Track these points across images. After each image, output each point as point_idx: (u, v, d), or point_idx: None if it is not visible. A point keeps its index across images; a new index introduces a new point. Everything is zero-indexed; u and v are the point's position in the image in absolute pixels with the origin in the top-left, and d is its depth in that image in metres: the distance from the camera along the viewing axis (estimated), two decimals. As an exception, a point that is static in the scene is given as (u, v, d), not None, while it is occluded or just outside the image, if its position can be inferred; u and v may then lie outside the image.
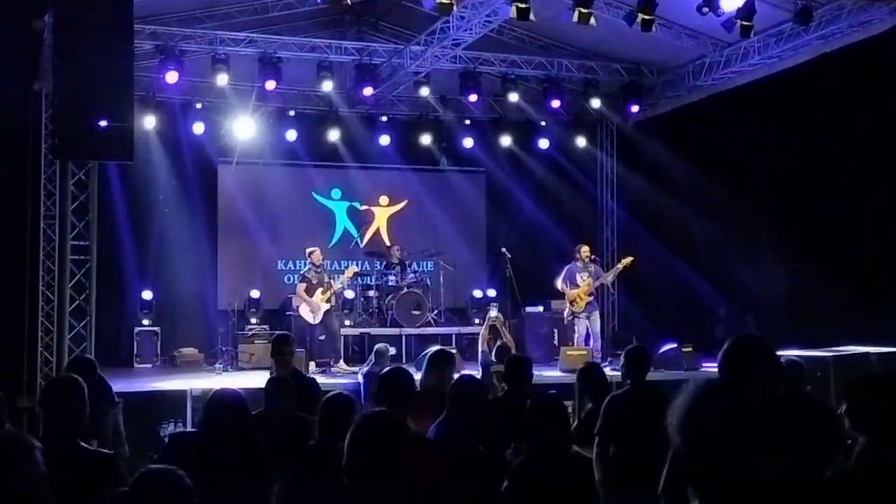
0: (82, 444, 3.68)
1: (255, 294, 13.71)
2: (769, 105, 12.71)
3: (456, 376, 5.13)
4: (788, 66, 11.83)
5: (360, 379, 9.58)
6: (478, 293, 14.59)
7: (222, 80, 12.38)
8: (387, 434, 2.81)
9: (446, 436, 4.44)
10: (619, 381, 6.81)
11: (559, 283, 12.59)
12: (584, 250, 12.64)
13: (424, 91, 13.58)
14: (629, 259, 12.71)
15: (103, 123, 7.92)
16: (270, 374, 6.84)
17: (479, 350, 11.76)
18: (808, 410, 4.87)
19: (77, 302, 12.09)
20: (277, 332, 9.57)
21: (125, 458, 6.06)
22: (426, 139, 15.09)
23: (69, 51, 8.15)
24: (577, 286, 12.42)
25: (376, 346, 9.76)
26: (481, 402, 4.66)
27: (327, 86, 12.94)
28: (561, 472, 4.13)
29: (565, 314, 12.66)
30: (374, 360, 9.55)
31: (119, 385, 8.75)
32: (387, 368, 4.81)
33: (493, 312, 12.06)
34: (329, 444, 3.81)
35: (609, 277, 13.04)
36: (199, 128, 13.57)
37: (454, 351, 9.98)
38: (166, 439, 6.25)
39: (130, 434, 6.08)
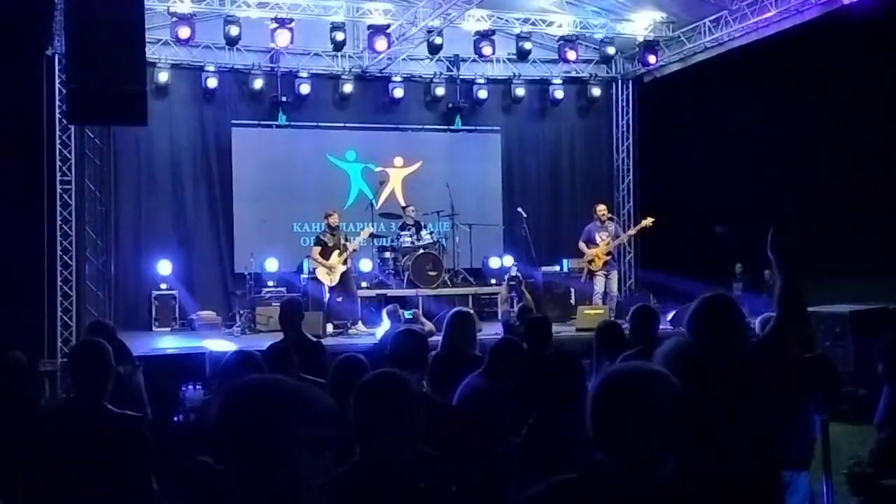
0: (109, 406, 3.71)
1: (271, 267, 13.64)
2: (787, 60, 12.54)
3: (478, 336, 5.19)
4: (807, 20, 11.66)
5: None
6: (495, 262, 14.46)
7: (235, 37, 12.35)
8: (390, 394, 2.75)
9: (482, 389, 4.50)
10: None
11: (581, 245, 12.63)
12: (601, 209, 12.62)
13: (438, 43, 13.42)
14: (650, 220, 12.66)
15: (116, 87, 7.88)
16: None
17: (500, 310, 11.78)
18: None
19: (95, 266, 12.14)
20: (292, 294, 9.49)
21: (148, 420, 6.10)
22: (441, 99, 15.00)
23: (80, 13, 8.08)
24: (596, 245, 12.43)
25: (385, 308, 9.75)
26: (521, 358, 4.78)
27: (340, 43, 12.85)
28: (571, 428, 4.15)
29: (583, 273, 12.67)
30: (391, 322, 9.55)
31: (139, 348, 8.82)
32: (398, 329, 4.78)
33: (513, 272, 12.07)
34: (339, 407, 3.83)
35: (628, 235, 13.01)
36: (212, 85, 13.56)
37: (472, 311, 9.98)
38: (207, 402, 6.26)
39: (152, 396, 6.11)
